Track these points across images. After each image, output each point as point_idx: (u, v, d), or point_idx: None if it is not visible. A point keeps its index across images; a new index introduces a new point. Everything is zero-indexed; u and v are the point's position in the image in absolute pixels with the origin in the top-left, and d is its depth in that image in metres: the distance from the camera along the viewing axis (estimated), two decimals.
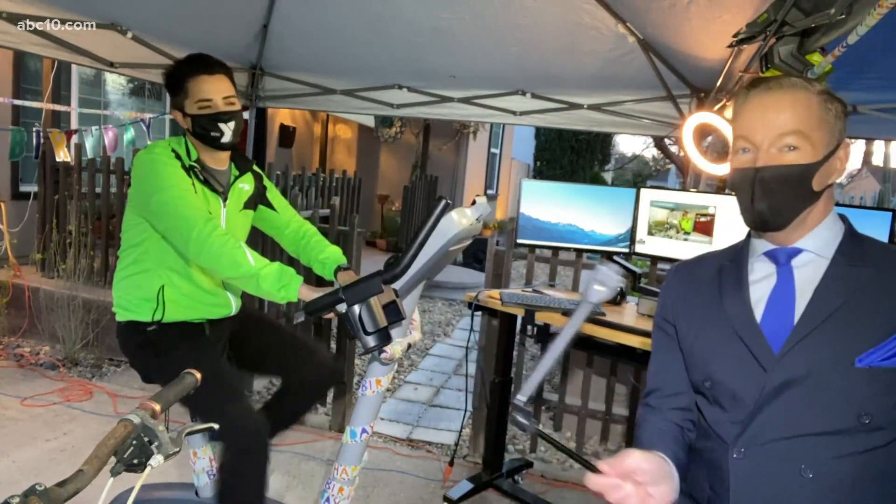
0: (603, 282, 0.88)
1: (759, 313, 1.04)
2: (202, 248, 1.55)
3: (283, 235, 2.04)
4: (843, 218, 1.08)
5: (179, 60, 1.79)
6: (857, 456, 0.93)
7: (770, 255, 1.06)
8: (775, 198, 0.99)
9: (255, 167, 2.00)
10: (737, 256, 1.12)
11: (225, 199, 1.86)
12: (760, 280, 1.07)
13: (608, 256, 3.06)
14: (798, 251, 1.04)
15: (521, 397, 0.96)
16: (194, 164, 1.79)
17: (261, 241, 3.09)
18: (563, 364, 3.47)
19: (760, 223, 1.03)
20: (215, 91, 1.75)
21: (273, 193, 2.05)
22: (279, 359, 2.01)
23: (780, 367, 0.98)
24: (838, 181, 1.06)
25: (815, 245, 1.03)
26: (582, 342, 2.66)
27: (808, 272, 1.02)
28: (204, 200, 1.77)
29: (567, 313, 2.38)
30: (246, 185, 1.94)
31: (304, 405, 2.14)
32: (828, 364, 0.95)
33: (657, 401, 1.21)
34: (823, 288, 0.99)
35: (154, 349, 1.81)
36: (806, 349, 0.96)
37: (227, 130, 1.77)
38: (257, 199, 1.98)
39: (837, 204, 1.04)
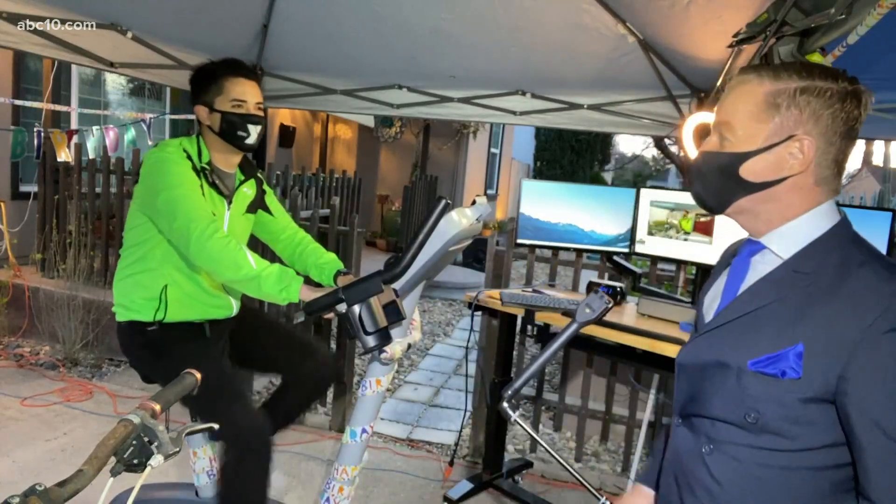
0: (590, 305, 1.05)
1: (719, 300, 1.07)
2: (203, 249, 1.56)
3: (278, 241, 2.05)
4: (841, 223, 0.98)
5: (217, 60, 1.85)
6: (750, 449, 0.95)
7: (742, 246, 1.08)
8: (702, 182, 1.03)
9: (258, 173, 2.02)
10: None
11: (230, 203, 1.88)
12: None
13: (608, 257, 3.06)
14: (761, 247, 1.01)
15: (507, 393, 1.07)
16: (205, 167, 1.81)
17: (260, 246, 3.09)
18: (563, 364, 3.47)
19: (698, 203, 1.07)
20: (251, 95, 1.82)
21: (271, 198, 2.07)
22: (278, 356, 2.02)
23: (694, 350, 1.04)
24: None
25: (778, 244, 0.99)
26: (582, 342, 2.66)
27: (764, 269, 1.00)
28: (210, 202, 1.78)
29: (567, 313, 2.39)
30: (248, 190, 1.96)
31: (303, 403, 2.14)
32: (728, 358, 0.97)
33: None
34: (754, 287, 0.99)
35: (155, 350, 1.81)
36: (714, 340, 1.01)
37: (254, 133, 1.82)
38: (257, 203, 2.00)
39: (837, 204, 1.00)
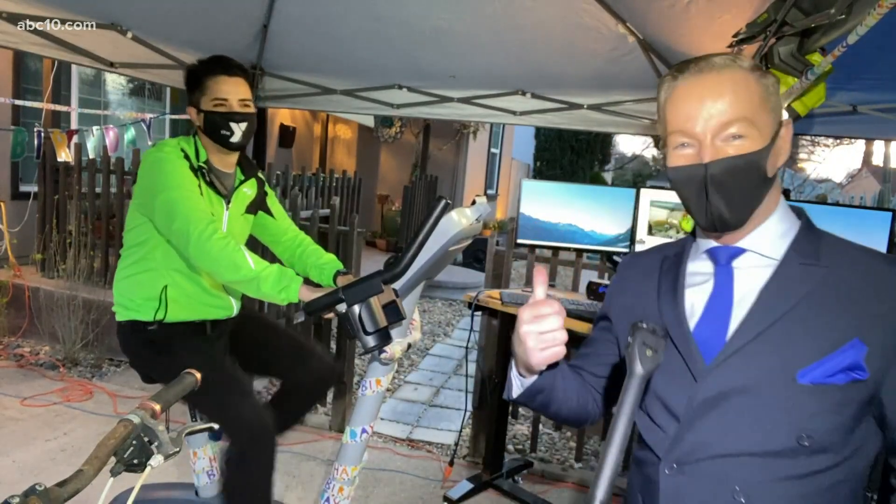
0: (647, 343, 0.72)
1: (695, 319, 0.92)
2: (202, 250, 1.56)
3: (279, 243, 2.04)
4: (798, 211, 0.94)
5: (202, 59, 1.84)
6: (794, 480, 0.83)
7: (711, 254, 0.94)
8: (731, 194, 0.86)
9: (259, 174, 2.02)
10: (680, 251, 1.00)
11: (228, 202, 1.88)
12: (699, 281, 0.95)
13: (608, 257, 3.06)
14: (741, 251, 0.91)
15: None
16: (202, 166, 1.81)
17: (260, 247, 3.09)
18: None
19: (720, 224, 0.89)
20: (232, 92, 1.80)
21: (273, 201, 2.06)
22: (278, 360, 2.01)
23: (712, 380, 0.87)
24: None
25: (761, 244, 0.90)
26: (581, 341, 2.65)
27: (752, 274, 0.90)
28: (208, 202, 1.78)
29: (568, 313, 2.38)
30: (248, 190, 1.96)
31: (304, 406, 2.13)
32: (766, 378, 0.84)
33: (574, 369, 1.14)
34: (770, 291, 0.87)
35: (156, 348, 1.81)
36: (742, 360, 0.86)
37: (238, 131, 1.80)
38: (258, 204, 2.00)
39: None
